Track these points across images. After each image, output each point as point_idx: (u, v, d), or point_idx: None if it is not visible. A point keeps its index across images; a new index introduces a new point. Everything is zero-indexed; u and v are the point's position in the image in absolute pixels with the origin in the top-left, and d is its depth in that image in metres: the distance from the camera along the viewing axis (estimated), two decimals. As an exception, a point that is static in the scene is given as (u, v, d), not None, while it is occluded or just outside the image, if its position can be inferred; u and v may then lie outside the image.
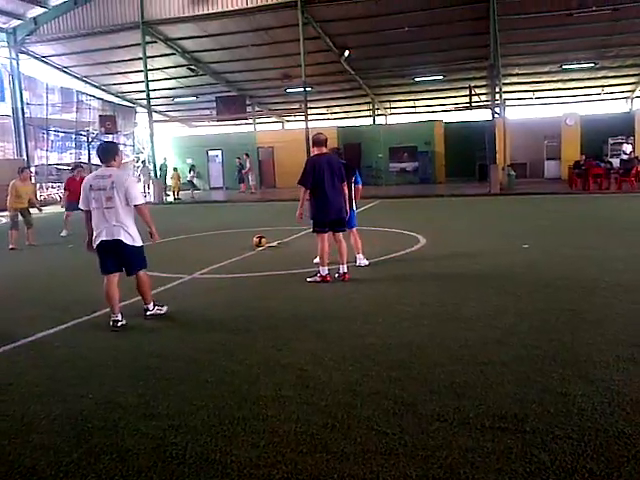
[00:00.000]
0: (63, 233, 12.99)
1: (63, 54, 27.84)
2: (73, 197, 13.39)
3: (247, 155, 27.07)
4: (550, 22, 22.57)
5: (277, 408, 3.46)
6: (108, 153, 5.54)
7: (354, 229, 7.85)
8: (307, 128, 23.31)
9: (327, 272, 7.06)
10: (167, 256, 9.96)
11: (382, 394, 3.59)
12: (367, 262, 7.88)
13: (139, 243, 5.54)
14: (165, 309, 5.80)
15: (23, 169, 12.01)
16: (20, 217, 11.84)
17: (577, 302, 5.61)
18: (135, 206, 5.39)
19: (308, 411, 3.40)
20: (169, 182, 27.20)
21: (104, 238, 5.32)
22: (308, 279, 7.12)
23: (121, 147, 33.20)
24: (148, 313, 5.66)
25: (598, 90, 31.38)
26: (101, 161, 5.59)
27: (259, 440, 3.06)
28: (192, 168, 28.44)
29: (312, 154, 7.20)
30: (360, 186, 8.00)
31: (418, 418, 3.24)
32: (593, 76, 29.09)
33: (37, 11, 24.95)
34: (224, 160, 31.85)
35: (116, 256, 5.41)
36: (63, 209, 13.80)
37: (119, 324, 5.36)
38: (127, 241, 5.36)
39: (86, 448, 3.07)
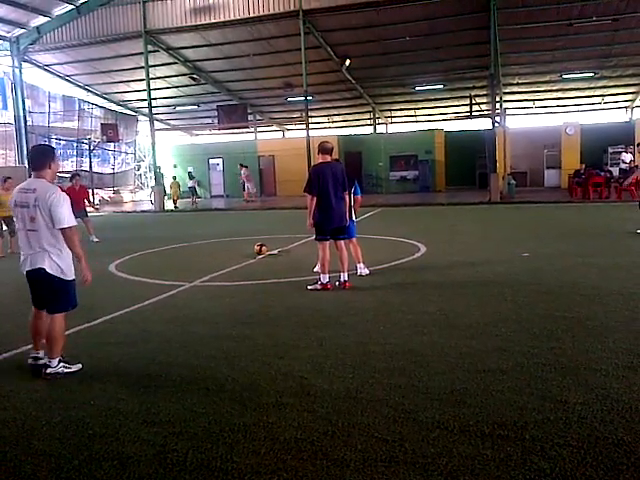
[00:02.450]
0: None
1: (66, 63, 28.02)
2: (72, 207, 13.42)
3: (241, 166, 27.19)
4: (550, 32, 22.74)
5: (278, 415, 3.47)
6: (40, 158, 4.39)
7: (354, 239, 7.88)
8: (308, 137, 23.39)
9: (328, 280, 7.10)
10: (168, 263, 10.00)
11: (382, 401, 3.60)
12: (368, 271, 7.89)
13: (69, 277, 4.41)
14: (75, 368, 4.40)
15: (6, 179, 12.02)
16: (4, 226, 11.86)
17: (577, 310, 5.62)
18: (61, 230, 4.28)
19: (309, 418, 3.41)
20: (167, 190, 27.36)
21: (27, 268, 4.34)
22: (309, 287, 7.15)
23: (123, 155, 33.32)
24: (48, 370, 4.28)
25: (598, 99, 31.50)
26: (32, 168, 4.41)
27: (260, 447, 3.07)
28: (190, 176, 28.68)
29: (317, 161, 7.24)
30: (359, 197, 8.05)
31: (418, 425, 3.25)
32: (593, 85, 29.21)
33: (40, 20, 25.15)
34: (225, 168, 31.97)
35: (40, 289, 4.40)
36: None
37: (40, 362, 4.42)
38: (51, 271, 4.28)
39: (87, 455, 3.08)
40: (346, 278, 7.17)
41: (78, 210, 13.46)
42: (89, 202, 14.60)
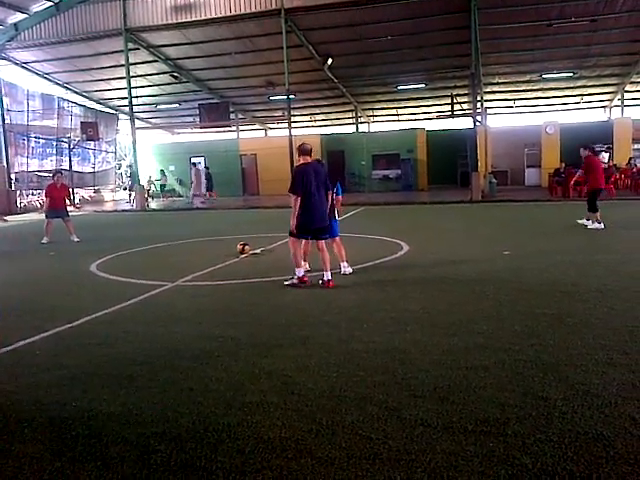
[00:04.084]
0: (44, 240, 12.88)
1: (44, 60, 27.62)
2: (53, 204, 13.29)
3: (194, 165, 27.06)
4: (530, 32, 22.98)
5: (262, 414, 3.47)
6: None
7: (337, 238, 7.94)
8: (290, 136, 23.36)
9: (303, 273, 7.19)
10: (149, 263, 9.93)
11: (366, 399, 3.61)
12: (351, 270, 7.93)
13: None
14: None
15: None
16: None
17: (557, 307, 5.70)
18: None
19: (293, 417, 3.41)
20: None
21: None
22: (286, 283, 7.25)
23: (103, 154, 33.13)
24: None
25: (577, 99, 31.95)
26: None
27: (244, 446, 3.07)
28: (162, 173, 28.83)
29: (297, 163, 7.34)
30: (341, 197, 8.18)
31: (402, 423, 3.27)
32: (572, 85, 29.61)
33: (18, 17, 24.72)
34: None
35: None
36: (44, 216, 13.69)
37: None
38: None
39: (70, 456, 3.05)
40: (329, 277, 7.20)
41: (59, 209, 13.34)
42: (70, 201, 14.45)
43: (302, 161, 7.19)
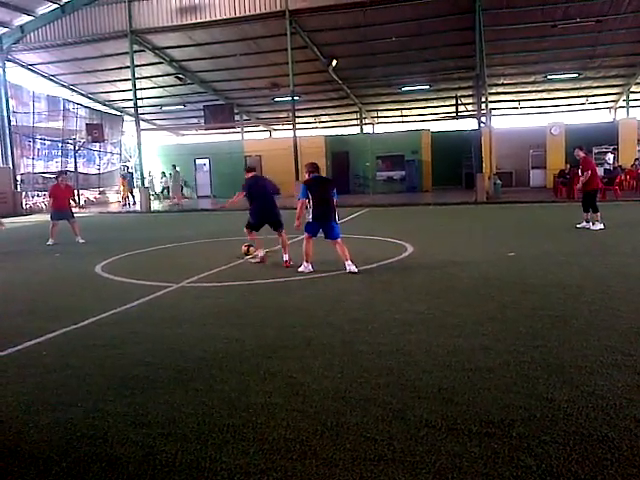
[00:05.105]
0: (49, 242, 12.91)
1: (50, 62, 27.76)
2: (57, 205, 13.33)
3: (174, 167, 27.12)
4: (535, 33, 22.95)
5: (267, 415, 3.47)
6: None
7: (339, 240, 8.12)
8: (295, 137, 23.37)
9: (263, 254, 9.34)
10: (154, 264, 9.96)
11: (371, 401, 3.62)
12: (356, 268, 7.96)
13: None
14: None
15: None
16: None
17: (562, 309, 5.69)
18: None
19: (297, 418, 3.42)
20: (121, 190, 29.02)
21: None
22: (251, 260, 9.39)
23: (108, 155, 33.27)
24: None
25: (582, 100, 31.85)
26: None
27: (249, 447, 3.08)
28: (163, 175, 29.06)
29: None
30: (336, 200, 8.38)
31: (407, 424, 3.27)
32: (577, 86, 29.53)
33: (24, 19, 24.86)
34: (212, 169, 31.86)
35: None
36: (49, 217, 13.74)
37: None
38: None
39: (75, 457, 3.07)
40: (287, 258, 8.77)
41: (64, 210, 13.39)
42: (74, 202, 14.50)
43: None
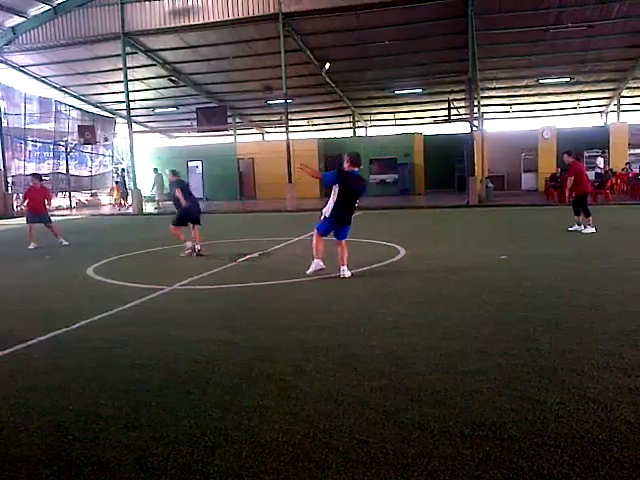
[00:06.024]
0: (31, 246, 12.64)
1: (42, 64, 27.62)
2: (32, 208, 12.98)
3: (156, 169, 27.08)
4: (527, 37, 23.10)
5: (259, 418, 3.47)
6: None
7: (343, 241, 8.09)
8: (288, 140, 23.39)
9: (191, 245, 10.52)
10: (147, 267, 9.93)
11: (363, 403, 3.62)
12: (350, 273, 7.95)
13: None
14: None
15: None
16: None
17: (555, 312, 5.71)
18: None
19: (290, 421, 3.41)
20: (114, 195, 29.30)
21: None
22: (181, 254, 10.44)
23: (100, 157, 33.16)
24: None
25: (574, 104, 32.07)
26: None
27: (241, 450, 3.07)
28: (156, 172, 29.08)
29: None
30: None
31: (399, 427, 3.27)
32: (569, 90, 29.73)
33: (16, 20, 24.74)
34: (204, 171, 31.80)
35: None
36: (25, 221, 13.48)
37: None
38: None
39: (66, 460, 3.04)
40: (199, 247, 10.36)
41: (40, 213, 13.05)
42: (49, 203, 14.13)
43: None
